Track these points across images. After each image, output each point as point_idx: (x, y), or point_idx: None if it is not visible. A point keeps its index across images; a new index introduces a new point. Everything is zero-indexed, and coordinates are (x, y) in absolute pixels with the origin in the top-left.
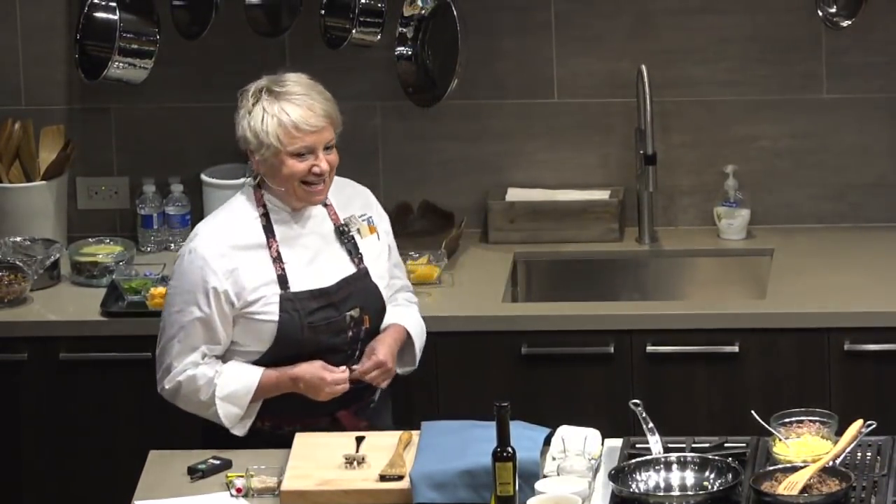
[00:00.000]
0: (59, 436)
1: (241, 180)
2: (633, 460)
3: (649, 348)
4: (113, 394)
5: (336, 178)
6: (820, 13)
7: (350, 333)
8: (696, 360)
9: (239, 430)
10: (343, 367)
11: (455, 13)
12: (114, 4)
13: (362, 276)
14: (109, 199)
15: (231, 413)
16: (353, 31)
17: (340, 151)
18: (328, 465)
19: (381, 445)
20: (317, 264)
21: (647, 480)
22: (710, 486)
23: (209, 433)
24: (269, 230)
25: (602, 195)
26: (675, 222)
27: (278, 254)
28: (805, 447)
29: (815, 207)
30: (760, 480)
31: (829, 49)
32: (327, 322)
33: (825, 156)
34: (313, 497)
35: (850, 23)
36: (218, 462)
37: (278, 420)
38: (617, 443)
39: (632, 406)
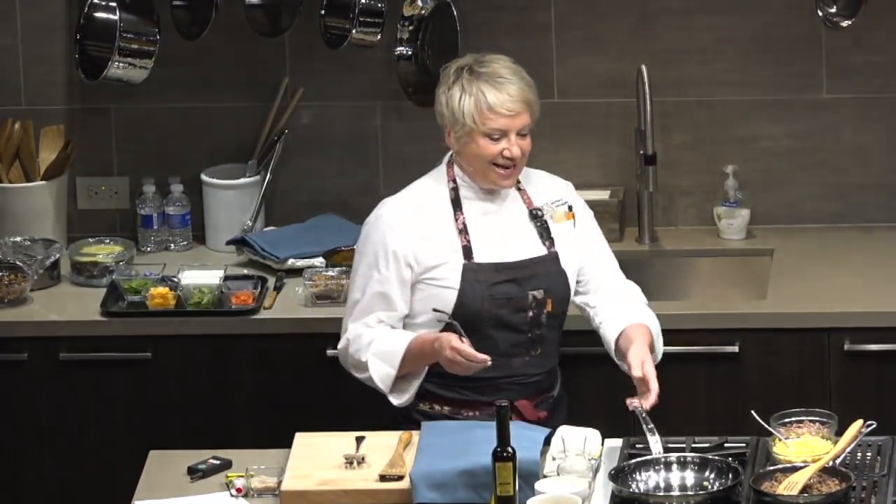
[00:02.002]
0: (59, 436)
1: (242, 180)
2: (633, 460)
3: None
4: (113, 394)
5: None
6: (820, 13)
7: (531, 314)
8: (697, 360)
9: (396, 399)
10: (484, 357)
11: (455, 13)
12: (114, 4)
13: (551, 258)
14: (109, 199)
15: (383, 372)
16: (353, 31)
17: (340, 150)
18: (328, 465)
19: (381, 445)
20: (504, 240)
21: (647, 480)
22: (710, 486)
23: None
24: (457, 204)
25: (602, 195)
26: (675, 222)
27: (464, 226)
28: (805, 447)
29: (815, 207)
30: (760, 480)
31: (829, 49)
32: (508, 297)
33: (825, 156)
34: (313, 497)
35: (850, 23)
36: (218, 462)
37: (458, 406)
38: (617, 443)
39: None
